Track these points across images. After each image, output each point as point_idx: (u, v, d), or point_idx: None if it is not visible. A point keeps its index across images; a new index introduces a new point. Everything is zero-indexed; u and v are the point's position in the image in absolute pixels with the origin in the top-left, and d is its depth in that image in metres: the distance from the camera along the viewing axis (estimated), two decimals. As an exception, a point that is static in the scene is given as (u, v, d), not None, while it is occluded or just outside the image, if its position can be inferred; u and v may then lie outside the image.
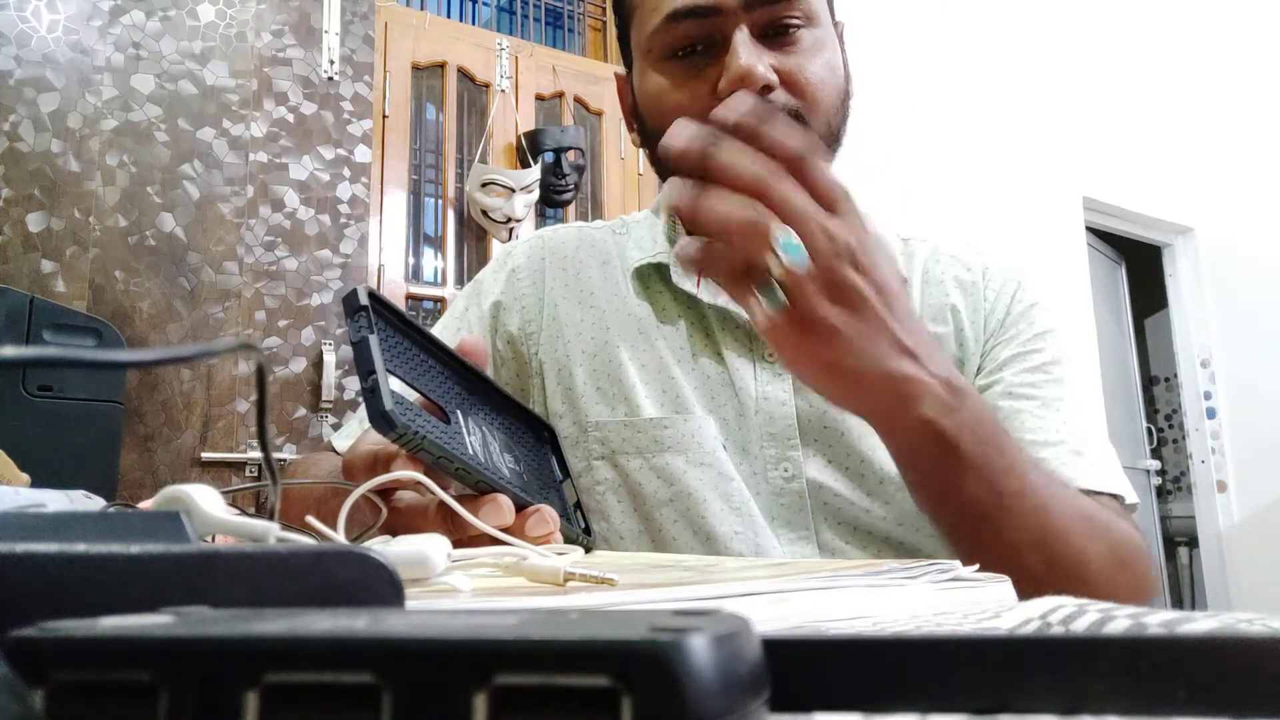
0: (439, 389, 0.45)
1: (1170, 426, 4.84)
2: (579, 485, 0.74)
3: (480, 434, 0.46)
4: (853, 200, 0.46)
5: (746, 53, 0.64)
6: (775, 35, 0.66)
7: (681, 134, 0.44)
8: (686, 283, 0.76)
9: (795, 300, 0.45)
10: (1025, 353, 0.72)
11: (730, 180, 0.43)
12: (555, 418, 0.77)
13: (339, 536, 0.40)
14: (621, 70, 0.78)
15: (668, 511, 0.71)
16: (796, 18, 0.67)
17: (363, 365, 0.41)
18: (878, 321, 0.46)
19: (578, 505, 0.61)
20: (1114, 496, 0.67)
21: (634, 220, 0.84)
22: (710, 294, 0.75)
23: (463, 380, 0.48)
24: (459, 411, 0.46)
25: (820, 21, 0.69)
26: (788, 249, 0.42)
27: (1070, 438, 0.68)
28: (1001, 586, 0.37)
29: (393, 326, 0.45)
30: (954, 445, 0.49)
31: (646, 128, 0.72)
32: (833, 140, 0.69)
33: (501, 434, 0.48)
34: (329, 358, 2.06)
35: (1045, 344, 0.73)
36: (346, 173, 2.18)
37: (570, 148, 2.62)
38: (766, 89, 0.64)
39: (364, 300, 0.42)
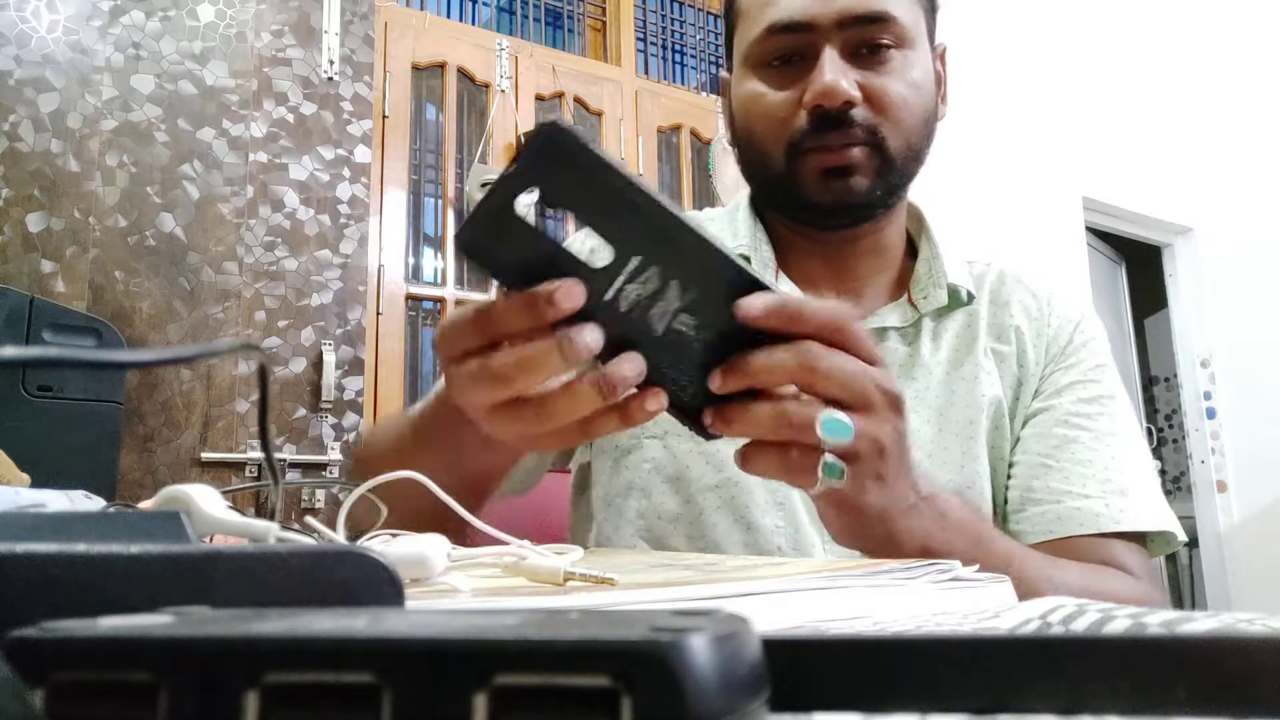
0: (611, 226, 0.38)
1: (1170, 426, 4.84)
2: (627, 461, 0.75)
3: (650, 285, 0.39)
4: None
5: (832, 69, 0.68)
6: (865, 54, 0.70)
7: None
8: (764, 277, 0.77)
9: (851, 474, 0.45)
10: (1083, 381, 0.75)
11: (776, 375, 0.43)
12: None
13: (339, 536, 0.40)
14: (726, 74, 0.81)
15: (711, 497, 0.72)
16: (887, 39, 0.70)
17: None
18: (907, 464, 0.48)
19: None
20: (1145, 537, 0.70)
21: (707, 216, 0.86)
22: (788, 290, 0.76)
23: (661, 228, 0.39)
24: (635, 257, 0.39)
25: (912, 44, 0.71)
26: (830, 429, 0.42)
27: (1117, 476, 0.70)
28: (1001, 586, 0.37)
29: (567, 167, 0.37)
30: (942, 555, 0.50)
31: (737, 128, 0.76)
32: (913, 159, 0.72)
33: (697, 297, 0.40)
34: (329, 358, 2.06)
35: (1102, 378, 0.75)
36: (346, 173, 2.18)
37: (570, 148, 2.61)
38: (848, 104, 0.68)
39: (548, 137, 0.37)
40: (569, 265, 0.38)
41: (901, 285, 0.79)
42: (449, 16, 2.69)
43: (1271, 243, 3.91)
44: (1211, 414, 3.95)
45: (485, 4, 2.79)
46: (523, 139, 0.43)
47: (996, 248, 3.10)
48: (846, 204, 0.71)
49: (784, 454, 0.44)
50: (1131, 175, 3.83)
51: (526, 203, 0.37)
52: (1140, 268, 4.33)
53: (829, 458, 0.44)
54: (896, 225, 0.79)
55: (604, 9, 2.99)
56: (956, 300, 0.76)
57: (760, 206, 0.81)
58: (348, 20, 2.22)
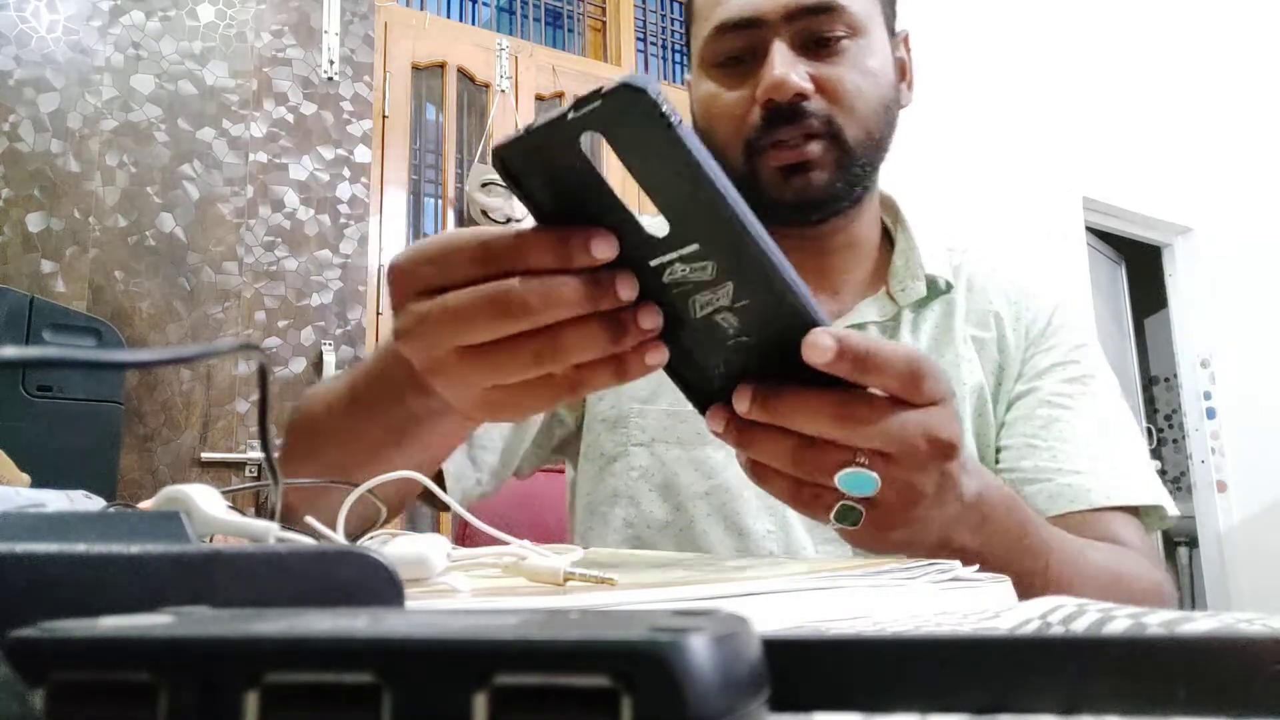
0: (675, 207, 0.35)
1: (1170, 426, 4.84)
2: (613, 469, 0.75)
3: (701, 276, 0.36)
4: (945, 381, 0.41)
5: (781, 61, 0.67)
6: (817, 46, 0.69)
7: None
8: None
9: (871, 519, 0.42)
10: (1064, 363, 0.75)
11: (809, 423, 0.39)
12: (596, 399, 0.77)
13: (339, 536, 0.40)
14: (690, 77, 0.80)
15: (702, 504, 0.72)
16: (839, 29, 0.69)
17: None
18: (952, 497, 0.43)
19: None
20: (1142, 509, 0.69)
21: None
22: None
23: (732, 234, 0.36)
24: (693, 245, 0.36)
25: (865, 32, 0.71)
26: (851, 484, 0.39)
27: (1106, 452, 0.70)
28: (1001, 586, 0.37)
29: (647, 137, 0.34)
30: (976, 557, 0.45)
31: (698, 130, 0.76)
32: (873, 148, 0.72)
33: (758, 306, 0.37)
34: (329, 358, 2.06)
35: (1082, 357, 0.75)
36: (346, 173, 2.18)
37: (570, 148, 2.61)
38: (799, 96, 0.67)
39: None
40: (618, 219, 0.36)
41: (879, 278, 0.78)
42: (449, 16, 2.69)
43: (1271, 243, 3.91)
44: (1211, 414, 3.95)
45: (485, 4, 2.79)
46: (609, 85, 0.41)
47: (997, 248, 3.10)
48: (809, 200, 0.70)
49: (797, 485, 0.41)
50: (1131, 175, 3.83)
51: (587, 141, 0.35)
52: (1140, 268, 4.33)
53: (847, 502, 0.40)
54: (869, 218, 0.78)
55: (604, 9, 2.99)
56: (935, 290, 0.76)
57: None
58: (348, 20, 2.22)
